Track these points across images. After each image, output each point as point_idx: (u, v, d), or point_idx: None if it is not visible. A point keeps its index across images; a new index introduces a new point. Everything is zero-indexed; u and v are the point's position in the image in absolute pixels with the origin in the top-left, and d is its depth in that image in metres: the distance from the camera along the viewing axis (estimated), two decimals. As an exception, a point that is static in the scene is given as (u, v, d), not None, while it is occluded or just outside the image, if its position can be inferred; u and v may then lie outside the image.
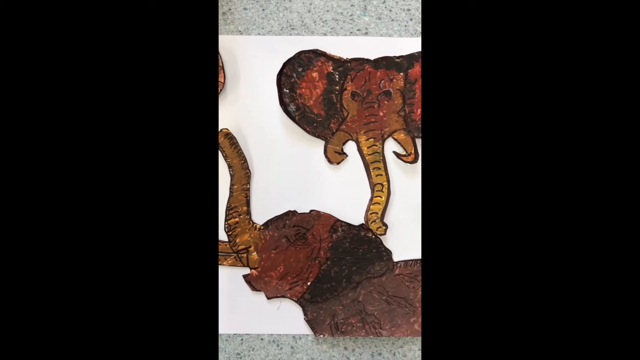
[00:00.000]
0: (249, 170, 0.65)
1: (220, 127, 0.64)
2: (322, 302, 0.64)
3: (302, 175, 0.65)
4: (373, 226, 0.64)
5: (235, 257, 0.65)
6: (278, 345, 0.65)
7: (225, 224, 0.65)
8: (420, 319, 0.64)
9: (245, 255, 0.65)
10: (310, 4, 0.66)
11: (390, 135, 0.65)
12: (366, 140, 0.65)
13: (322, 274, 0.64)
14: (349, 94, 0.64)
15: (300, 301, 0.65)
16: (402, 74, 0.64)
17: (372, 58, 0.64)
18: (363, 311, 0.65)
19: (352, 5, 0.66)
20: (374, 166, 0.65)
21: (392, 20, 0.66)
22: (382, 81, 0.64)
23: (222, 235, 0.65)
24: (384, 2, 0.66)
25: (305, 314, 0.65)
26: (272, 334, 0.66)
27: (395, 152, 0.65)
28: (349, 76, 0.64)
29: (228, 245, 0.65)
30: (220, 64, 0.64)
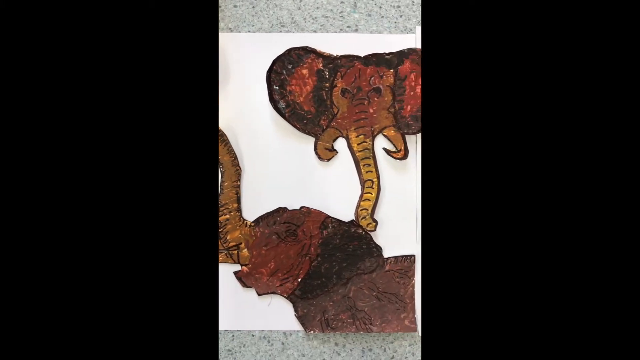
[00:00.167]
0: (239, 167, 0.65)
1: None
2: (313, 299, 0.65)
3: (293, 172, 0.66)
4: (363, 222, 0.64)
5: (225, 253, 0.65)
6: (269, 342, 0.66)
7: (216, 221, 0.65)
8: (410, 315, 0.65)
9: (235, 252, 0.65)
10: (300, 1, 0.66)
11: (380, 131, 0.65)
12: (356, 137, 0.65)
13: (313, 271, 0.65)
14: (339, 91, 0.64)
15: (291, 297, 0.65)
16: (392, 70, 0.64)
17: (362, 55, 0.64)
18: (353, 307, 0.65)
19: (342, 2, 0.66)
20: (364, 163, 0.65)
21: (382, 17, 0.66)
22: (372, 78, 0.64)
23: (213, 232, 0.65)
24: (374, -2, 0.66)
25: (295, 310, 0.65)
26: (262, 330, 0.66)
27: (385, 149, 0.65)
28: (339, 73, 0.64)
29: (219, 242, 0.65)
30: (210, 61, 0.64)
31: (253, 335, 0.66)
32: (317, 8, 0.66)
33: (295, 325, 0.65)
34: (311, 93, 0.64)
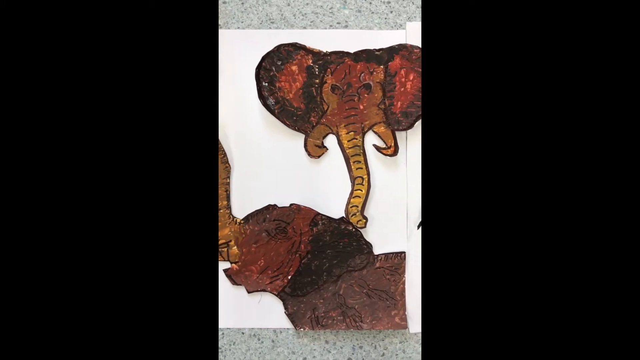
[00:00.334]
0: (228, 164, 0.64)
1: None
2: (303, 296, 0.64)
3: (282, 169, 0.65)
4: (353, 219, 0.64)
5: (215, 251, 0.65)
6: (259, 339, 0.65)
7: (205, 219, 0.65)
8: (400, 312, 0.64)
9: (225, 249, 0.64)
10: (290, -3, 0.66)
11: (370, 128, 0.65)
12: (346, 133, 0.65)
13: (303, 268, 0.64)
14: (329, 87, 0.64)
15: (281, 295, 0.65)
16: (382, 66, 0.64)
17: (352, 51, 0.64)
18: (344, 304, 0.65)
19: (331, -2, 0.66)
20: (354, 159, 0.65)
21: (372, 12, 0.66)
22: (362, 74, 0.64)
23: (203, 230, 0.65)
24: (364, -6, 0.66)
25: (285, 308, 0.65)
26: (252, 328, 0.66)
27: (375, 145, 0.65)
28: (328, 69, 0.64)
29: (208, 240, 0.64)
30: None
31: (243, 333, 0.65)
32: (307, 4, 0.66)
33: (285, 322, 0.65)
34: (301, 89, 0.64)
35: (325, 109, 0.64)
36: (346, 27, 0.66)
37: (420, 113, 0.63)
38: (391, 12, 0.66)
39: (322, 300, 0.65)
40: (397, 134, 0.64)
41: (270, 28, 0.66)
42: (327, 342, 0.66)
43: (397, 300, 0.64)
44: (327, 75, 0.64)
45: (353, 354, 0.65)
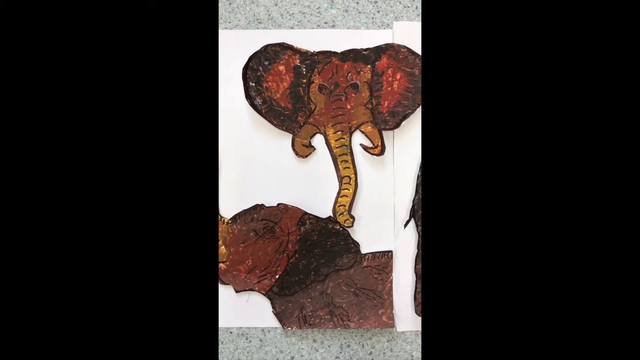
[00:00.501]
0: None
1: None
2: (291, 295, 0.65)
3: (270, 168, 0.65)
4: (341, 218, 0.64)
5: (203, 251, 0.65)
6: (247, 339, 0.66)
7: (193, 218, 0.65)
8: (388, 311, 0.65)
9: (213, 249, 0.65)
10: (277, -3, 0.66)
11: (357, 127, 0.65)
12: (334, 133, 0.65)
13: (291, 267, 0.65)
14: (316, 87, 0.64)
15: (269, 294, 0.65)
16: (369, 66, 0.64)
17: (339, 51, 0.64)
18: (331, 303, 0.65)
19: (319, -2, 0.66)
20: (342, 159, 0.65)
21: (359, 12, 0.66)
22: (350, 74, 0.64)
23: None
24: (351, -6, 0.66)
25: (273, 307, 0.65)
26: (240, 327, 0.66)
27: (362, 145, 0.65)
28: (316, 69, 0.64)
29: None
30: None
31: (231, 333, 0.66)
32: (294, 4, 0.66)
33: (273, 322, 0.65)
34: (288, 89, 0.64)
35: (313, 108, 0.65)
36: (333, 26, 0.66)
37: (407, 112, 0.63)
38: (378, 11, 0.66)
39: (309, 300, 0.65)
40: (384, 133, 0.64)
41: (257, 28, 0.66)
42: (314, 341, 0.66)
43: (385, 299, 0.65)
44: (315, 75, 0.64)
45: (341, 352, 0.66)
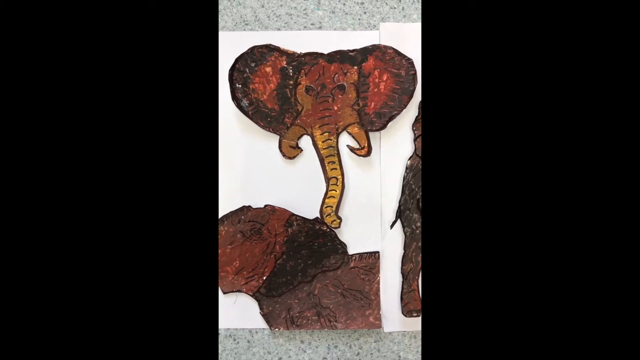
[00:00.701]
0: (203, 165, 0.65)
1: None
2: (278, 296, 0.65)
3: (257, 170, 0.66)
4: (328, 220, 0.64)
5: (191, 252, 0.65)
6: (235, 340, 0.66)
7: (181, 220, 0.65)
8: (375, 312, 0.65)
9: (201, 250, 0.65)
10: (264, -2, 0.66)
11: (344, 129, 0.65)
12: (321, 134, 0.65)
13: (278, 268, 0.65)
14: (303, 89, 0.64)
15: (256, 295, 0.65)
16: (355, 67, 0.64)
17: (325, 52, 0.64)
18: (318, 304, 0.65)
19: (305, 0, 0.66)
20: (329, 160, 0.65)
21: (346, 13, 0.66)
22: (336, 75, 0.64)
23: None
24: (337, -5, 0.66)
25: (261, 308, 0.65)
26: (228, 329, 0.66)
27: (348, 146, 0.65)
28: (302, 70, 0.64)
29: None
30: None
31: (219, 334, 0.66)
32: (281, 6, 0.66)
33: (260, 323, 0.66)
34: (275, 91, 0.64)
35: (300, 110, 0.65)
36: (320, 28, 0.66)
37: (394, 113, 0.63)
38: (365, 12, 0.66)
39: (297, 301, 0.65)
40: (371, 134, 0.65)
41: (244, 30, 0.66)
42: (302, 341, 0.66)
43: (372, 300, 0.65)
44: (301, 77, 0.64)
45: (328, 353, 0.66)
